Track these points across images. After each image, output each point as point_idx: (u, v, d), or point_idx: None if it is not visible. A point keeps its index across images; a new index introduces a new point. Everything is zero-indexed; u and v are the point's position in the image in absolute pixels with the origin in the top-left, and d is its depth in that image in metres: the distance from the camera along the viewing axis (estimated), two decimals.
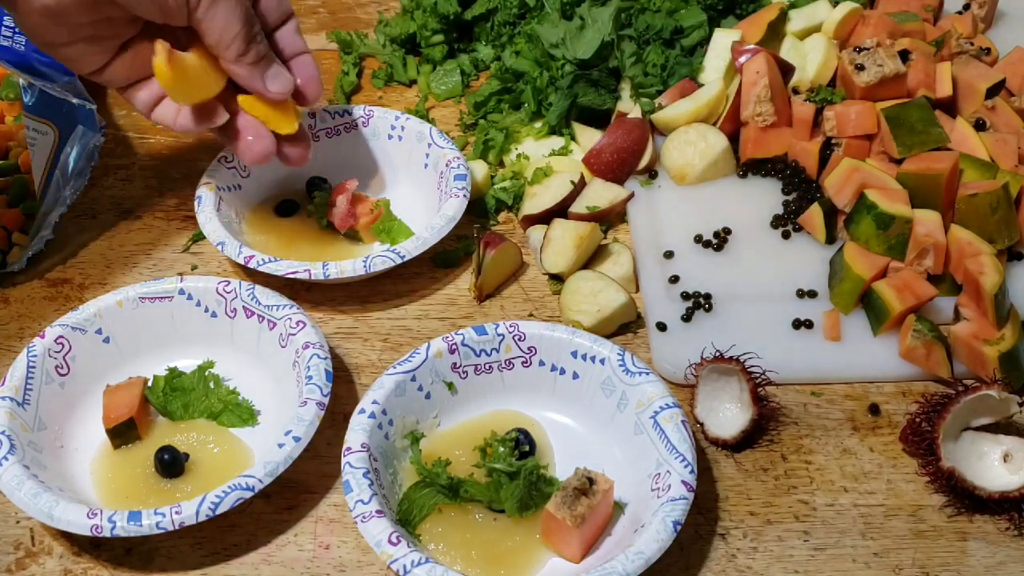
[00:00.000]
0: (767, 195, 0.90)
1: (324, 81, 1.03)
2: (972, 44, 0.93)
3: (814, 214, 0.84)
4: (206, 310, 0.77)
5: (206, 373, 0.74)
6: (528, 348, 0.72)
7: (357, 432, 0.66)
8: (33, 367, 0.71)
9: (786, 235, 0.86)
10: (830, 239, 0.85)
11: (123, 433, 0.70)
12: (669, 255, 0.85)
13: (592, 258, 0.84)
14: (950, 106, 0.89)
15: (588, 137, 0.93)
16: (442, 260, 0.86)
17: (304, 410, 0.67)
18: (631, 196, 0.88)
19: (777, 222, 0.87)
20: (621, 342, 0.78)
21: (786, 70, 0.92)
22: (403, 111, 0.94)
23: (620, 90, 0.95)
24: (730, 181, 0.91)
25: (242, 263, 0.80)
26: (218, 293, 0.76)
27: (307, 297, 0.82)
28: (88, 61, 0.74)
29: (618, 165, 0.89)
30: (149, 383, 0.73)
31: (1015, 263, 0.83)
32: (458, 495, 0.66)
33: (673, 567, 0.65)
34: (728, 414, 0.72)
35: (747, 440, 0.72)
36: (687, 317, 0.79)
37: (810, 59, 0.96)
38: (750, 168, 0.91)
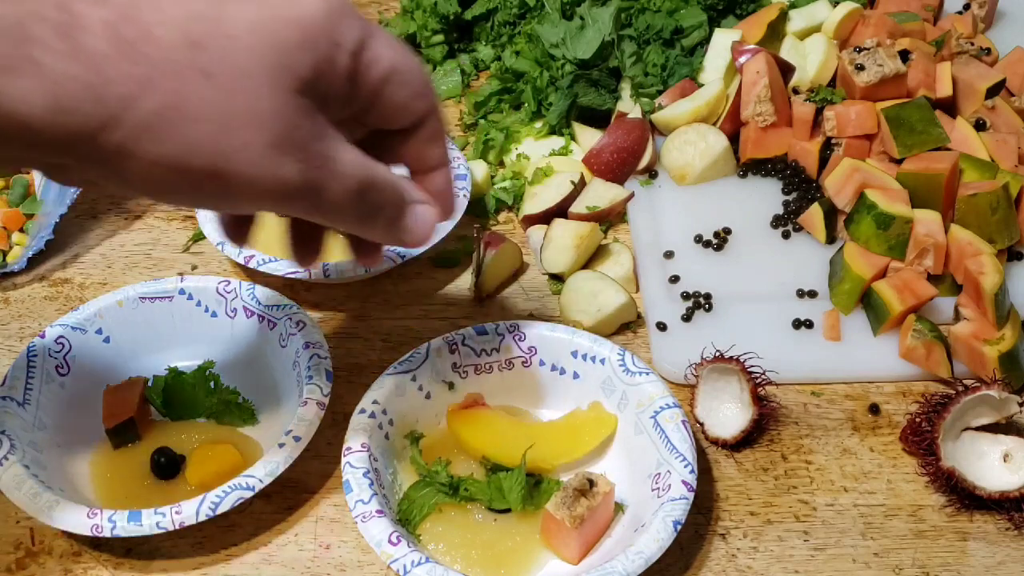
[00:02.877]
0: (767, 195, 0.90)
1: None
2: (972, 44, 0.93)
3: (814, 214, 0.84)
4: (206, 310, 0.76)
5: (206, 373, 0.74)
6: (528, 348, 0.72)
7: (357, 432, 0.66)
8: (33, 367, 0.71)
9: (786, 235, 0.86)
10: (830, 239, 0.85)
11: (123, 433, 0.70)
12: (669, 255, 0.84)
13: (592, 258, 0.84)
14: (950, 106, 0.89)
15: (588, 137, 0.93)
16: (442, 260, 0.86)
17: (304, 410, 0.67)
18: (631, 196, 0.88)
19: (777, 222, 0.87)
20: (621, 342, 0.78)
21: (786, 70, 0.92)
22: None
23: (620, 90, 0.95)
24: (730, 181, 0.91)
25: (242, 263, 0.80)
26: (218, 293, 0.76)
27: (307, 297, 0.82)
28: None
29: (618, 165, 0.90)
30: (149, 383, 0.73)
31: (1015, 263, 0.83)
32: (458, 495, 0.66)
33: (673, 567, 0.65)
34: (728, 414, 0.72)
35: (747, 440, 0.72)
36: (687, 317, 0.79)
37: (810, 59, 0.96)
38: (750, 168, 0.91)
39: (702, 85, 0.94)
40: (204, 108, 0.46)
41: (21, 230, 0.89)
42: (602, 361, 0.71)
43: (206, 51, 0.46)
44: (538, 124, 0.96)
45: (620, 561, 0.59)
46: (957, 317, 0.77)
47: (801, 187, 0.89)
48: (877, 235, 0.79)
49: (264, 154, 0.48)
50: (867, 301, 0.79)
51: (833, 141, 0.88)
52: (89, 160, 0.47)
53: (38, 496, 0.63)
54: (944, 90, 0.89)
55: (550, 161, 0.91)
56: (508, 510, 0.66)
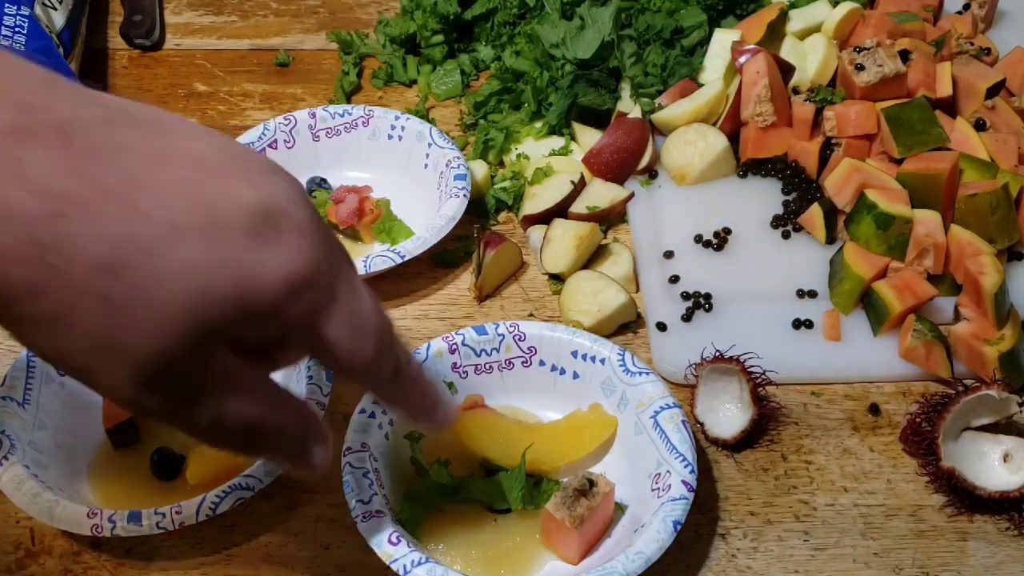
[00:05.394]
0: (767, 195, 0.90)
1: (324, 81, 1.03)
2: (972, 44, 0.93)
3: (814, 214, 0.84)
4: None
5: None
6: (528, 348, 0.72)
7: (357, 432, 0.66)
8: (33, 367, 0.71)
9: (786, 235, 0.86)
10: (830, 239, 0.85)
11: (123, 433, 0.70)
12: (669, 255, 0.84)
13: (592, 258, 0.84)
14: (950, 106, 0.89)
15: (588, 137, 0.93)
16: (442, 260, 0.86)
17: None
18: (631, 196, 0.88)
19: (777, 222, 0.87)
20: (621, 342, 0.78)
21: (786, 70, 0.92)
22: (403, 111, 0.94)
23: (620, 90, 0.95)
24: (730, 181, 0.91)
25: None
26: None
27: None
28: None
29: (618, 165, 0.89)
30: None
31: (1015, 263, 0.83)
32: (458, 495, 0.66)
33: (673, 567, 0.65)
34: (728, 414, 0.72)
35: (747, 440, 0.72)
36: (687, 317, 0.79)
37: (810, 59, 0.96)
38: (750, 168, 0.91)
39: (702, 85, 0.94)
40: (85, 328, 0.42)
41: None
42: (602, 361, 0.71)
43: (118, 279, 0.41)
44: (538, 124, 0.96)
45: (620, 561, 0.59)
46: (957, 317, 0.77)
47: (801, 187, 0.89)
48: (877, 235, 0.79)
49: (126, 386, 0.44)
50: (867, 301, 0.79)
51: (833, 141, 0.88)
52: None
53: (38, 496, 0.63)
54: (944, 90, 0.89)
55: (550, 161, 0.91)
56: (508, 510, 0.66)
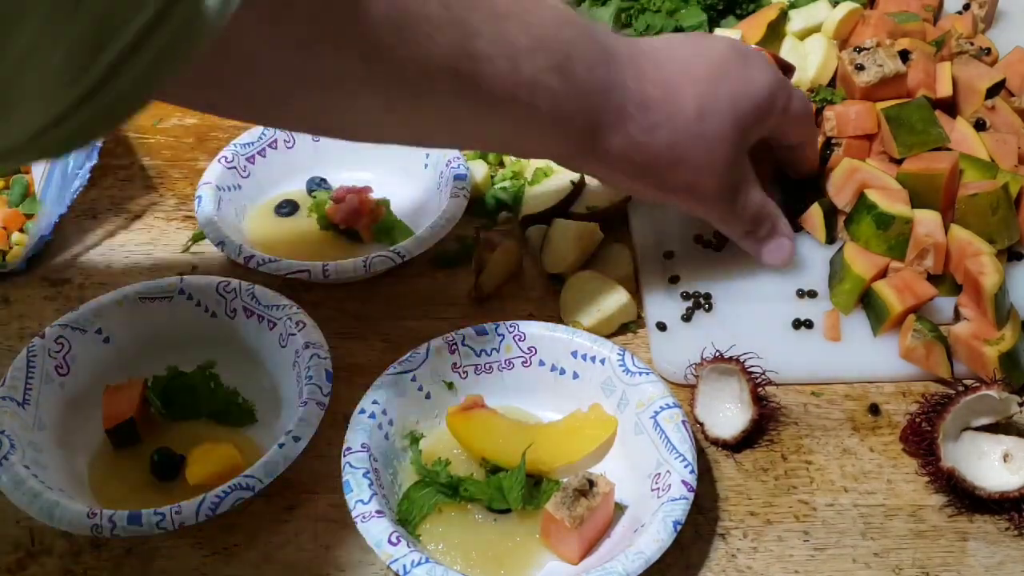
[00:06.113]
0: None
1: None
2: (972, 44, 0.93)
3: (814, 214, 0.84)
4: (206, 310, 0.76)
5: (206, 373, 0.74)
6: (528, 348, 0.72)
7: (357, 432, 0.66)
8: (33, 367, 0.71)
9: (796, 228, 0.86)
10: (830, 239, 0.84)
11: (123, 433, 0.70)
12: (669, 255, 0.84)
13: (592, 258, 0.84)
14: (950, 106, 0.89)
15: None
16: (442, 260, 0.86)
17: (304, 410, 0.67)
18: (631, 196, 0.88)
19: None
20: (621, 342, 0.78)
21: (786, 70, 0.92)
22: None
23: None
24: None
25: (242, 263, 0.80)
26: (218, 293, 0.76)
27: (307, 297, 0.82)
28: None
29: None
30: (149, 383, 0.73)
31: (1015, 263, 0.83)
32: (458, 495, 0.66)
33: (673, 567, 0.65)
34: (728, 414, 0.72)
35: (747, 440, 0.72)
36: (687, 317, 0.79)
37: (810, 59, 0.96)
38: None
39: None
40: (694, 159, 0.71)
41: (21, 230, 0.89)
42: (602, 361, 0.71)
43: (704, 121, 0.70)
44: None
45: (620, 561, 0.59)
46: (957, 317, 0.77)
47: (801, 187, 0.88)
48: (877, 235, 0.79)
49: (715, 192, 0.75)
50: (867, 301, 0.79)
51: (833, 141, 0.88)
52: (623, 177, 0.73)
53: (38, 496, 0.63)
54: (944, 90, 0.89)
55: (550, 161, 0.91)
56: (508, 510, 0.66)
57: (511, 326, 0.73)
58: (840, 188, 0.83)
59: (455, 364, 0.72)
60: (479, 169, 0.90)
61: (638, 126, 0.69)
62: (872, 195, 0.79)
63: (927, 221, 0.78)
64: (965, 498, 0.68)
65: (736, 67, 0.73)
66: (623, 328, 0.80)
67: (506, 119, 0.66)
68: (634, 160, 0.71)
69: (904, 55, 0.89)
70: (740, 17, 1.01)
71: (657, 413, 0.67)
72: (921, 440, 0.69)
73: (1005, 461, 0.67)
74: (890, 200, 0.79)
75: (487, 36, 0.61)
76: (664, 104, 0.69)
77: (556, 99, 0.65)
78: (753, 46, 0.80)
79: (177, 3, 0.41)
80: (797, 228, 0.85)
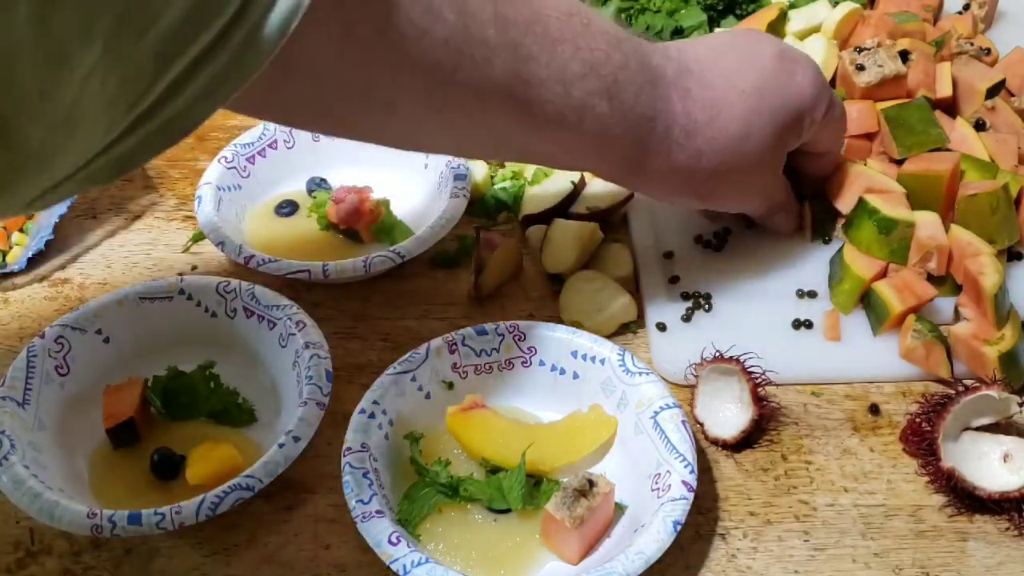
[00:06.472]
0: None
1: None
2: (972, 44, 0.93)
3: (803, 213, 0.84)
4: (206, 310, 0.77)
5: (206, 373, 0.74)
6: (528, 348, 0.72)
7: (357, 432, 0.66)
8: (33, 367, 0.71)
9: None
10: (822, 239, 0.84)
11: (123, 434, 0.70)
12: (669, 255, 0.84)
13: (592, 258, 0.84)
14: (950, 106, 0.89)
15: None
16: (442, 260, 0.86)
17: (304, 410, 0.67)
18: (631, 196, 0.88)
19: None
20: (621, 342, 0.77)
21: None
22: None
23: None
24: None
25: (242, 263, 0.80)
26: (218, 293, 0.76)
27: (307, 297, 0.82)
28: None
29: None
30: (149, 383, 0.73)
31: (1015, 263, 0.83)
32: (458, 495, 0.66)
33: (673, 567, 0.65)
34: (728, 414, 0.72)
35: (747, 440, 0.72)
36: (687, 317, 0.79)
37: None
38: None
39: None
40: (741, 176, 0.74)
41: (21, 230, 0.89)
42: (602, 361, 0.71)
43: (749, 140, 0.72)
44: None
45: (620, 561, 0.59)
46: (957, 317, 0.77)
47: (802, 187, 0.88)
48: (879, 240, 0.79)
49: (757, 202, 0.80)
50: (867, 301, 0.79)
51: None
52: (666, 194, 0.76)
53: (38, 496, 0.63)
54: (944, 90, 0.89)
55: None
56: (508, 510, 0.66)
57: (511, 326, 0.73)
58: (842, 192, 0.83)
59: (455, 364, 0.72)
60: (479, 169, 0.90)
61: (684, 151, 0.70)
62: (873, 200, 0.79)
63: (928, 223, 0.78)
64: (965, 498, 0.68)
65: (784, 77, 0.73)
66: (623, 328, 0.80)
67: (553, 139, 0.67)
68: (678, 181, 0.72)
69: (904, 55, 0.89)
70: (740, 17, 1.01)
71: (657, 413, 0.67)
72: (921, 440, 0.69)
73: (1005, 461, 0.67)
74: (891, 204, 0.79)
75: (541, 61, 0.63)
76: (709, 128, 0.70)
77: (603, 123, 0.67)
78: (801, 50, 0.82)
79: (235, 27, 0.42)
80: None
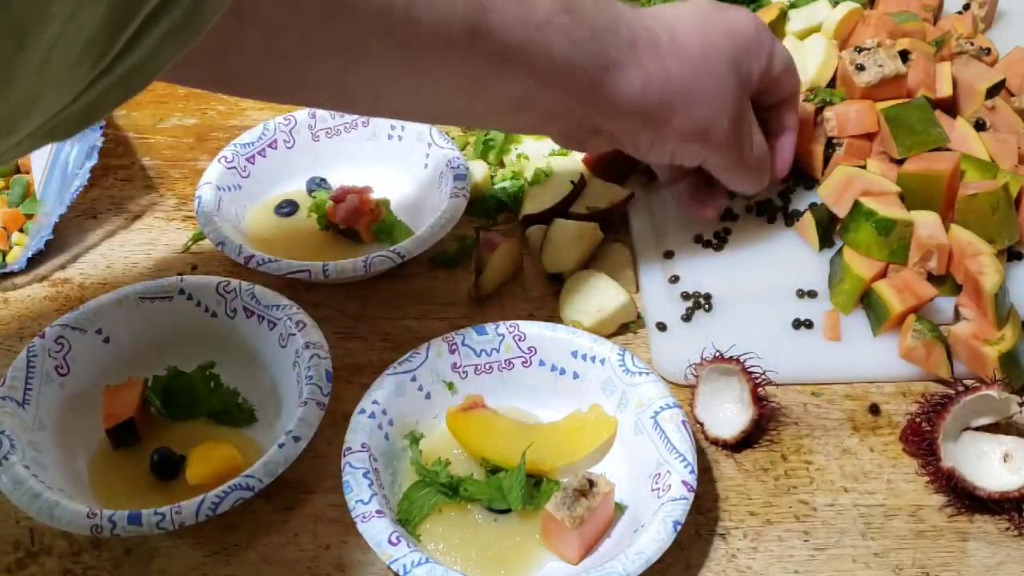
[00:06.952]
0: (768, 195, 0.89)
1: None
2: (972, 44, 0.93)
3: (807, 223, 0.84)
4: (206, 310, 0.77)
5: (206, 373, 0.74)
6: (528, 348, 0.72)
7: (357, 432, 0.66)
8: (33, 367, 0.71)
9: (789, 223, 0.86)
10: (826, 245, 0.84)
11: (123, 434, 0.70)
12: (669, 255, 0.84)
13: (592, 258, 0.84)
14: (950, 106, 0.89)
15: None
16: (442, 260, 0.86)
17: (304, 410, 0.67)
18: (631, 196, 0.88)
19: (777, 222, 0.87)
20: (621, 342, 0.78)
21: None
22: None
23: None
24: None
25: (242, 263, 0.80)
26: (218, 293, 0.76)
27: (307, 297, 0.82)
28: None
29: (618, 165, 0.89)
30: (149, 383, 0.73)
31: (1015, 263, 0.83)
32: (458, 495, 0.66)
33: (673, 567, 0.65)
34: (728, 414, 0.72)
35: (747, 440, 0.72)
36: (687, 317, 0.79)
37: (810, 59, 0.96)
38: None
39: None
40: (708, 95, 0.73)
41: (21, 230, 0.89)
42: (602, 361, 0.71)
43: (709, 59, 0.73)
44: None
45: (620, 561, 0.59)
46: (957, 317, 0.77)
47: (802, 187, 0.88)
48: (878, 241, 0.79)
49: (727, 127, 0.75)
50: (867, 301, 0.79)
51: (835, 141, 0.88)
52: (639, 123, 0.73)
53: (38, 496, 0.63)
54: (944, 90, 0.89)
55: (550, 161, 0.91)
56: (508, 510, 0.66)
57: (511, 326, 0.73)
58: (838, 196, 0.83)
59: (455, 364, 0.72)
60: (479, 169, 0.90)
61: (652, 60, 0.71)
62: (869, 203, 0.79)
63: (928, 223, 0.78)
64: (965, 498, 0.68)
65: (719, 14, 0.76)
66: (623, 328, 0.80)
67: (519, 71, 0.67)
68: (648, 103, 0.72)
69: (904, 55, 0.89)
70: None
71: (657, 413, 0.67)
72: (921, 440, 0.69)
73: (1005, 461, 0.67)
74: (887, 205, 0.79)
75: None
76: (672, 43, 0.72)
77: (569, 38, 0.67)
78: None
79: None
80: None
